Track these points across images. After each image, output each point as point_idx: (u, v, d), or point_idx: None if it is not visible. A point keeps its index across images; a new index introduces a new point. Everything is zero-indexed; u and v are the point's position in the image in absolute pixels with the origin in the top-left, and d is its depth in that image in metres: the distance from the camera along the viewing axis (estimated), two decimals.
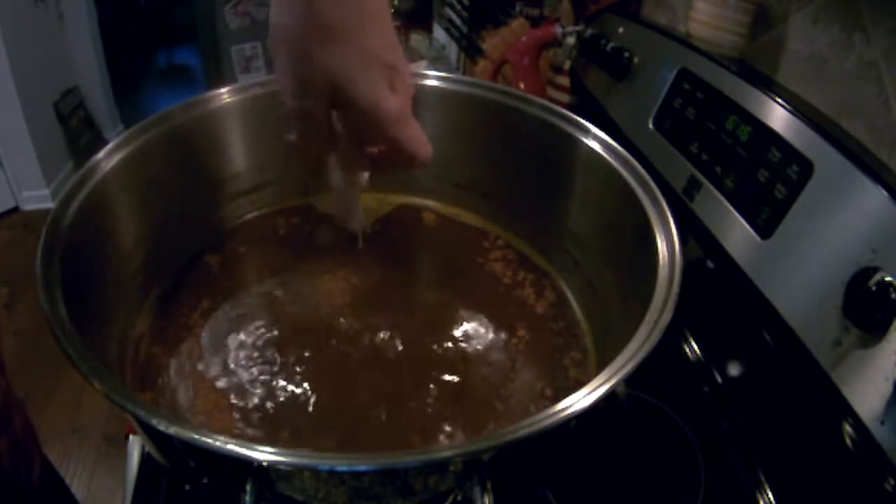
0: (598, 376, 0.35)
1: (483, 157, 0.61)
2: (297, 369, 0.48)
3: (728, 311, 0.61)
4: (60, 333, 0.35)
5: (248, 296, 0.54)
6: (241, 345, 0.50)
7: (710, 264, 0.60)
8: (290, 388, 0.47)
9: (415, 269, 0.60)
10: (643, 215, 0.46)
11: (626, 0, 0.86)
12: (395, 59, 0.41)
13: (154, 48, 2.33)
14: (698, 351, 0.64)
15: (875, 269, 0.43)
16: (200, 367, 0.48)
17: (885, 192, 0.44)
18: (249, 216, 0.62)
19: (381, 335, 0.51)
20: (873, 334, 0.42)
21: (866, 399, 0.42)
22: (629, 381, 0.34)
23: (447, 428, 0.45)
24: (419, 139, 0.43)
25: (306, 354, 0.49)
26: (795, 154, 0.51)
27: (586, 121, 0.54)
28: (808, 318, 0.48)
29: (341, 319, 0.52)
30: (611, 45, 0.76)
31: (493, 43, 1.01)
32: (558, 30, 0.88)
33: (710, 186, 0.59)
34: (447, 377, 0.48)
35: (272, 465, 0.32)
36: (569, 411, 0.32)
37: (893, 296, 0.41)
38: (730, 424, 0.57)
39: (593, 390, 0.34)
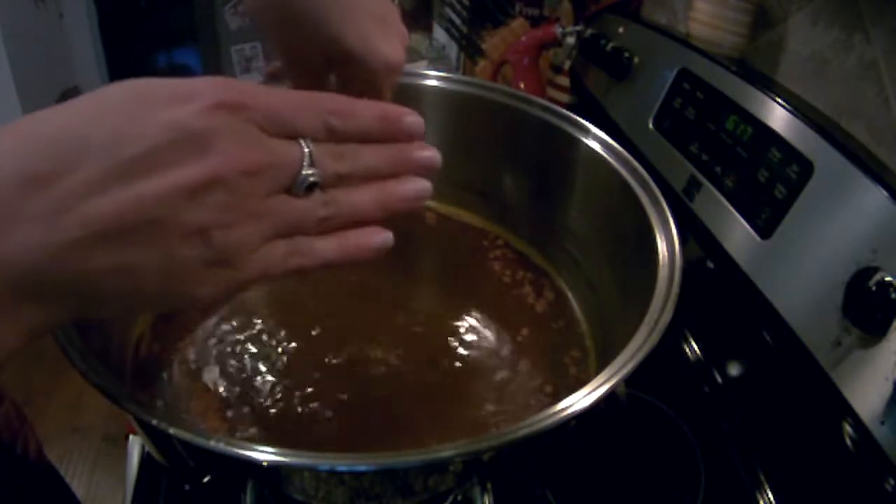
0: (598, 376, 0.35)
1: (483, 157, 0.61)
2: (296, 369, 0.48)
3: (728, 311, 0.61)
4: (60, 333, 0.35)
5: (247, 295, 0.54)
6: (240, 344, 0.50)
7: (710, 264, 0.60)
8: (289, 387, 0.46)
9: (414, 267, 0.60)
10: (643, 215, 0.46)
11: (626, 0, 0.85)
12: (383, 9, 0.39)
13: (154, 48, 2.33)
14: (698, 351, 0.64)
15: (875, 269, 0.43)
16: (198, 366, 0.48)
17: (885, 192, 0.44)
18: None
19: (381, 334, 0.51)
20: (873, 334, 0.42)
21: (866, 399, 0.42)
22: (629, 381, 0.34)
23: (447, 427, 0.45)
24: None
25: (304, 353, 0.49)
26: (795, 154, 0.51)
27: (586, 121, 0.54)
28: (808, 318, 0.48)
29: (340, 319, 0.52)
30: (611, 45, 0.76)
31: (493, 43, 1.01)
32: (558, 30, 0.88)
33: (710, 186, 0.59)
34: (447, 376, 0.48)
35: (272, 465, 0.32)
36: (569, 411, 0.32)
37: (893, 296, 0.41)
38: (730, 424, 0.57)
39: (593, 390, 0.34)
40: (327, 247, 0.30)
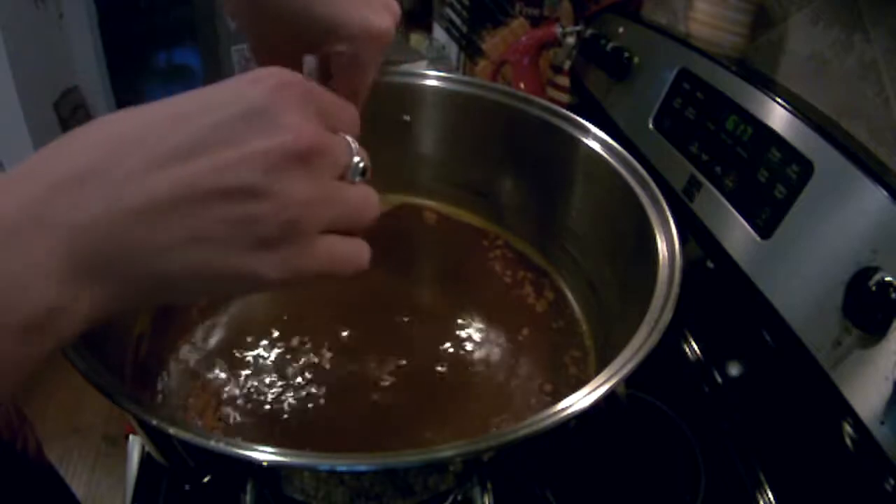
0: (599, 376, 0.35)
1: (483, 157, 0.61)
2: (295, 369, 0.48)
3: (728, 311, 0.61)
4: None
5: (246, 294, 0.54)
6: (239, 344, 0.50)
7: (710, 264, 0.60)
8: (288, 387, 0.46)
9: (415, 267, 0.60)
10: (643, 215, 0.46)
11: (626, 0, 0.85)
12: None
13: (154, 48, 2.33)
14: (698, 351, 0.64)
15: (875, 269, 0.43)
16: (198, 366, 0.48)
17: (885, 192, 0.44)
18: None
19: (380, 335, 0.51)
20: (873, 334, 0.42)
21: (866, 399, 0.42)
22: (629, 381, 0.34)
23: (447, 427, 0.45)
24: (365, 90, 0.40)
25: (304, 353, 0.49)
26: (795, 154, 0.51)
27: (586, 121, 0.54)
28: (808, 318, 0.48)
29: (340, 319, 0.52)
30: (611, 45, 0.76)
31: (493, 43, 1.01)
32: (558, 30, 0.88)
33: (710, 186, 0.59)
34: (447, 376, 0.48)
35: (272, 465, 0.32)
36: (569, 411, 0.32)
37: (893, 296, 0.41)
38: (730, 424, 0.57)
39: (593, 390, 0.34)
40: (367, 250, 0.31)
